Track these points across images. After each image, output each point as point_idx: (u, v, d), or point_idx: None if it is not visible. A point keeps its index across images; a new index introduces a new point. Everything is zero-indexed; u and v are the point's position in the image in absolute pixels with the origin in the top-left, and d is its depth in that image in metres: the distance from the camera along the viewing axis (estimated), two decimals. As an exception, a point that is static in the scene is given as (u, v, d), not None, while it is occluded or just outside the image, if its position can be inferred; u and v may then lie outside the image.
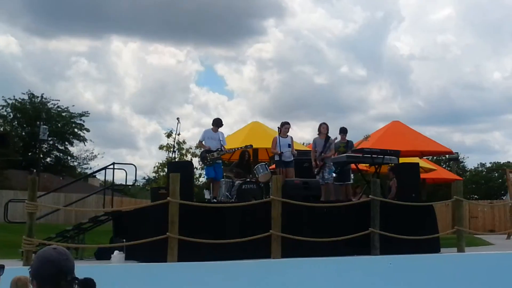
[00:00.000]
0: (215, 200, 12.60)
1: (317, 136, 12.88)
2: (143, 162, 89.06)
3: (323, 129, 12.60)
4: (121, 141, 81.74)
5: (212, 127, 13.16)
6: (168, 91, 79.99)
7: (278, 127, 13.13)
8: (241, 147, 13.74)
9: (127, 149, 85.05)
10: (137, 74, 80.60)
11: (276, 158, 12.71)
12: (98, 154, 47.89)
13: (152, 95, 79.38)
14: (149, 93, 79.15)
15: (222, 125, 13.21)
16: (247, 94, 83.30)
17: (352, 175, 14.07)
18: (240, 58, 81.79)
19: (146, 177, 48.29)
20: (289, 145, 12.85)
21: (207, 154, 12.76)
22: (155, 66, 79.77)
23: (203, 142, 13.05)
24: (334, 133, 13.14)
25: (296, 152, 13.08)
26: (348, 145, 12.82)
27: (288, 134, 13.05)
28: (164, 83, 79.23)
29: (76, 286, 2.64)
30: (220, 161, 13.12)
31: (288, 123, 13.15)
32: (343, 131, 13.19)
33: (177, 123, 13.61)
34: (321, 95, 78.32)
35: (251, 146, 13.70)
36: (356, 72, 78.82)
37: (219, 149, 12.85)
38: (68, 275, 2.58)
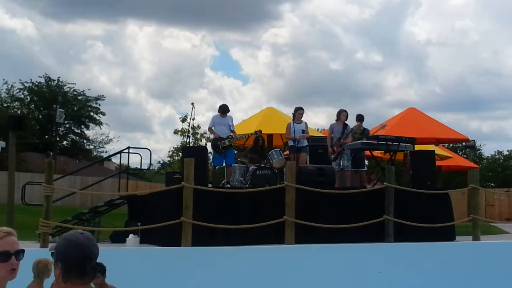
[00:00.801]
0: (228, 185, 12.63)
1: (335, 122, 12.79)
2: (158, 146, 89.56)
3: (343, 116, 12.53)
4: (137, 125, 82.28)
5: (219, 113, 13.14)
6: (183, 75, 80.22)
7: (292, 113, 13.10)
8: (250, 134, 13.76)
9: (142, 133, 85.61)
10: (153, 58, 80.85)
11: (290, 143, 12.68)
12: (114, 137, 48.23)
13: (167, 79, 79.69)
14: (164, 77, 79.47)
15: (229, 111, 13.18)
16: (262, 79, 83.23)
17: (366, 161, 14.04)
18: (255, 43, 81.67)
19: (161, 161, 48.54)
20: (303, 131, 12.81)
21: (219, 143, 12.77)
22: (170, 50, 79.98)
23: (213, 129, 13.06)
24: (350, 119, 13.10)
25: (309, 137, 13.06)
26: (364, 132, 12.76)
27: (302, 119, 13.01)
28: (179, 67, 79.43)
29: (97, 270, 2.66)
30: (232, 147, 13.15)
31: (302, 108, 13.10)
32: (360, 118, 13.12)
33: (192, 108, 13.67)
34: (337, 81, 78.08)
35: (260, 131, 13.73)
36: (372, 58, 78.38)
37: (230, 136, 12.84)
38: (93, 260, 2.60)
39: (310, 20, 76.84)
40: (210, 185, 12.60)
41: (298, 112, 12.98)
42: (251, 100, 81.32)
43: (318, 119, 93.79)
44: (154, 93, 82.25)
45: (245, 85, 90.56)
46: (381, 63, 78.53)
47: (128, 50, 79.00)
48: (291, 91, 78.70)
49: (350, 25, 78.90)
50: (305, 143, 12.74)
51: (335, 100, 78.28)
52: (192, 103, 13.90)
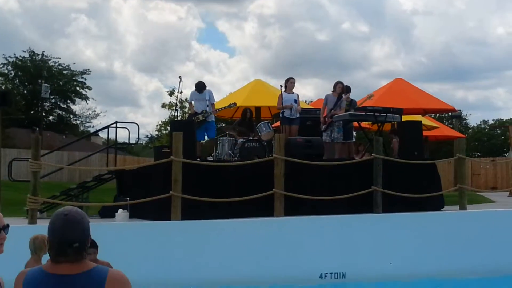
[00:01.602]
0: (210, 158, 12.69)
1: (330, 93, 12.71)
2: (146, 120, 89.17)
3: (339, 88, 12.46)
4: (123, 99, 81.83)
5: (196, 90, 13.09)
6: (169, 48, 79.59)
7: (282, 84, 12.98)
8: (225, 107, 13.75)
9: (130, 107, 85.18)
10: (138, 31, 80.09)
11: (284, 113, 12.57)
12: (101, 112, 47.96)
13: (153, 52, 79.04)
14: (150, 50, 78.82)
15: (205, 87, 13.08)
16: (248, 51, 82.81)
17: (354, 133, 14.06)
18: (241, 14, 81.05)
19: (149, 135, 48.40)
20: (295, 101, 12.76)
21: (193, 118, 12.76)
22: (155, 23, 79.24)
23: (192, 103, 13.07)
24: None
25: (300, 108, 13.02)
26: (351, 103, 12.74)
27: (293, 90, 12.95)
28: (165, 40, 78.79)
29: (83, 251, 2.64)
30: (212, 120, 13.10)
31: (293, 78, 13.03)
32: (347, 89, 13.09)
33: (179, 81, 13.61)
34: (323, 52, 77.90)
35: (235, 104, 13.75)
36: (359, 28, 78.13)
37: (204, 111, 12.81)
38: (73, 243, 2.58)
39: (296, -10, 76.23)
40: (210, 158, 12.65)
41: (290, 81, 12.91)
42: (238, 72, 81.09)
43: (306, 91, 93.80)
44: (141, 67, 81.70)
45: (232, 57, 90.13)
46: (367, 33, 78.46)
47: (113, 23, 78.23)
48: (278, 63, 78.51)
49: (336, -5, 78.37)
50: (298, 114, 12.72)
51: (322, 71, 78.30)
52: (180, 77, 13.86)
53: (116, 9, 79.62)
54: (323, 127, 12.35)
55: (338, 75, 77.77)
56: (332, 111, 12.22)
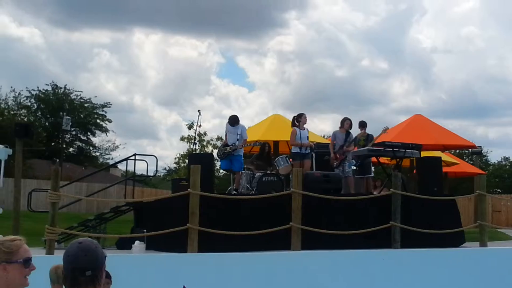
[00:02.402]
0: (235, 192, 12.65)
1: (338, 129, 12.77)
2: (164, 153, 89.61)
3: (346, 124, 12.48)
4: (143, 132, 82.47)
5: (228, 123, 13.25)
6: (189, 82, 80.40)
7: (294, 119, 12.97)
8: (251, 144, 13.87)
9: (149, 140, 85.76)
10: (159, 65, 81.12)
11: (295, 150, 12.61)
12: (120, 144, 48.32)
13: (173, 86, 79.90)
14: (170, 84, 79.71)
15: (238, 122, 13.25)
16: (268, 86, 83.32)
17: (373, 168, 14.02)
18: (261, 50, 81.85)
19: (167, 168, 48.59)
20: (307, 137, 12.82)
21: (222, 147, 12.96)
22: (176, 58, 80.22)
23: (226, 135, 13.23)
24: (355, 126, 13.08)
25: (313, 144, 13.06)
26: (368, 138, 12.74)
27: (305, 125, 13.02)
28: (185, 74, 79.65)
29: (95, 280, 2.66)
30: (240, 154, 13.19)
31: (305, 114, 13.08)
32: (363, 124, 13.11)
33: (198, 115, 13.71)
34: (342, 88, 78.08)
35: (263, 144, 13.89)
36: (378, 65, 78.38)
37: (233, 144, 12.93)
38: (86, 271, 2.60)
39: (316, 27, 77.03)
40: (234, 192, 12.71)
41: (304, 117, 12.96)
42: (257, 107, 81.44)
43: (324, 126, 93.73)
44: (160, 101, 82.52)
45: (251, 92, 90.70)
46: (387, 70, 78.61)
47: (135, 58, 79.34)
48: (297, 98, 78.76)
49: (355, 33, 79.04)
50: (309, 150, 12.75)
51: (341, 107, 78.33)
52: (199, 110, 13.98)
53: (138, 45, 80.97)
54: (335, 163, 12.35)
55: (357, 111, 77.87)
56: (344, 148, 12.24)
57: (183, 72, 79.87)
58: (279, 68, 79.63)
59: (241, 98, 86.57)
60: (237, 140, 13.02)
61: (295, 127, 12.73)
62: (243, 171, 13.29)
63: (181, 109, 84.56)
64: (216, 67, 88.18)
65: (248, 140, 13.80)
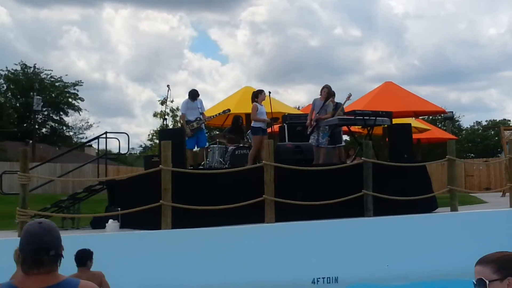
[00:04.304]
0: (201, 167, 12.69)
1: (318, 97, 12.68)
2: (140, 130, 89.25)
3: (323, 92, 12.44)
4: (117, 109, 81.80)
5: (189, 98, 13.11)
6: (162, 57, 79.64)
7: (254, 93, 12.88)
8: (219, 113, 13.77)
9: (123, 117, 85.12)
10: (130, 41, 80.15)
11: (258, 125, 12.51)
12: (94, 123, 47.81)
13: (146, 62, 79.11)
14: (143, 60, 78.89)
15: (198, 95, 13.15)
16: (241, 58, 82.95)
17: (344, 137, 14.10)
18: (233, 22, 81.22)
19: (143, 145, 48.32)
20: (265, 113, 12.80)
21: (187, 126, 12.79)
22: (148, 33, 79.30)
23: (185, 114, 13.06)
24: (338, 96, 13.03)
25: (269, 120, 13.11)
26: (336, 107, 12.71)
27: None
28: (157, 49, 78.83)
29: (57, 260, 2.64)
30: (203, 129, 13.17)
31: (264, 91, 13.07)
32: (332, 93, 13.05)
33: (168, 90, 13.57)
34: (316, 58, 78.10)
35: (229, 110, 13.77)
36: (351, 33, 78.38)
37: (198, 118, 12.85)
38: (50, 250, 2.58)
39: (288, -3, 76.48)
40: (201, 167, 12.66)
41: (264, 94, 12.92)
42: (231, 80, 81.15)
43: (299, 97, 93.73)
44: (134, 77, 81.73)
45: (224, 65, 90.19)
46: (360, 38, 78.68)
47: (105, 34, 78.29)
48: (271, 69, 78.64)
49: (327, 1, 78.72)
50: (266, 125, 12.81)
51: (316, 76, 78.38)
52: (168, 85, 13.87)
53: (108, 20, 79.78)
54: (309, 130, 12.33)
55: (331, 80, 77.95)
56: (317, 115, 12.20)
57: (155, 47, 79.12)
58: (252, 39, 79.32)
59: (215, 71, 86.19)
60: (200, 114, 12.95)
61: (255, 103, 12.63)
62: (215, 145, 13.27)
63: (155, 84, 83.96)
64: (189, 41, 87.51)
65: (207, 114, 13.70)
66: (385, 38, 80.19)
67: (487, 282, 2.25)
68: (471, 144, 49.71)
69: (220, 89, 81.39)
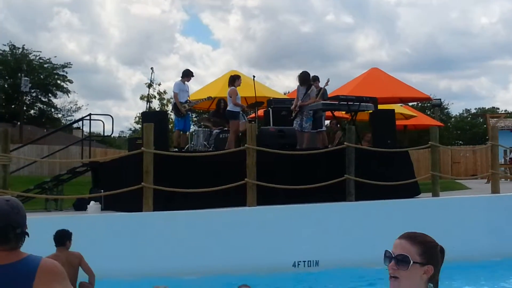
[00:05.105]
0: (184, 150, 12.72)
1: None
2: (130, 113, 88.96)
3: (299, 79, 12.47)
4: (108, 92, 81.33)
5: (182, 78, 13.10)
6: (153, 41, 79.03)
7: (232, 78, 12.87)
8: (202, 100, 13.78)
9: (114, 100, 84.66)
10: (121, 24, 79.54)
11: (236, 109, 12.49)
12: (82, 105, 47.49)
13: (137, 45, 78.53)
14: (134, 43, 78.29)
15: (193, 75, 13.17)
16: (233, 43, 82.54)
17: (327, 122, 14.11)
18: (225, 6, 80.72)
19: (132, 128, 48.14)
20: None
21: (183, 105, 12.80)
22: (139, 16, 78.67)
23: (178, 94, 13.05)
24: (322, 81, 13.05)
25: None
26: (320, 92, 12.72)
27: None
28: (148, 33, 78.29)
29: (23, 238, 2.65)
30: (189, 113, 13.24)
31: (241, 77, 13.06)
32: (315, 79, 13.08)
33: (151, 73, 13.53)
34: (308, 44, 77.87)
35: (211, 97, 13.81)
36: (343, 19, 78.18)
37: (188, 101, 12.87)
38: (17, 228, 2.58)
39: (280, -18, 76.14)
40: (176, 150, 12.66)
41: (240, 80, 12.94)
42: (222, 65, 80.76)
43: (290, 82, 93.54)
44: (124, 60, 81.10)
45: (216, 49, 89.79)
46: (351, 24, 78.50)
47: (96, 17, 77.53)
48: (262, 54, 78.38)
49: (320, -14, 78.38)
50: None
51: (307, 62, 78.15)
52: (152, 68, 13.81)
53: (99, 3, 79.07)
54: (293, 116, 12.35)
55: (323, 67, 77.80)
56: (300, 101, 12.21)
57: (146, 30, 78.51)
58: (244, 24, 78.94)
59: (206, 56, 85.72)
60: (188, 97, 12.98)
61: (234, 87, 12.60)
62: (200, 129, 13.28)
63: (146, 68, 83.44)
64: (180, 25, 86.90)
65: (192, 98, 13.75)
66: (377, 25, 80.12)
67: (411, 262, 2.20)
68: (460, 132, 49.89)
69: (211, 73, 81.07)
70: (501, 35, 74.39)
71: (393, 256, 2.23)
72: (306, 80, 12.35)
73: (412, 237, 2.29)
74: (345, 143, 11.14)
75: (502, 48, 73.68)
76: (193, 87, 12.60)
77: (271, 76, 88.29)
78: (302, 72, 12.52)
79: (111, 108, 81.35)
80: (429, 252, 2.25)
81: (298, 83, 12.55)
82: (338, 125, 14.51)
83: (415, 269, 2.20)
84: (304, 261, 10.07)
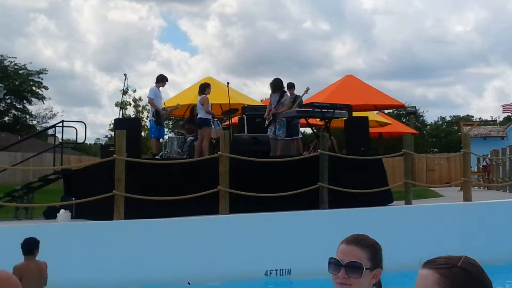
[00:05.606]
0: (158, 157, 12.62)
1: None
2: (107, 120, 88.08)
3: (271, 87, 12.48)
4: (84, 99, 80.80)
5: (156, 84, 13.03)
6: (130, 47, 78.90)
7: (203, 86, 12.83)
8: (173, 107, 13.74)
9: (90, 107, 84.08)
10: (99, 30, 79.13)
11: (207, 117, 12.42)
12: (58, 112, 47.05)
13: (114, 51, 78.31)
14: (111, 49, 78.07)
15: (167, 81, 13.13)
16: (210, 50, 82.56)
17: (302, 129, 14.11)
18: (203, 13, 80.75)
19: (109, 135, 47.75)
20: None
21: (164, 112, 12.81)
22: (116, 22, 78.42)
23: (154, 100, 12.96)
24: (298, 89, 13.09)
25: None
26: (295, 99, 12.72)
27: None
28: (126, 39, 78.09)
29: None
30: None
31: (210, 85, 13.04)
32: (290, 86, 13.08)
33: (125, 79, 13.39)
34: (285, 51, 78.16)
35: (179, 106, 13.78)
36: (320, 27, 78.60)
37: (165, 108, 12.81)
38: None
39: (258, -11, 76.30)
40: (157, 157, 12.57)
41: (210, 87, 12.91)
42: (200, 71, 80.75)
43: (267, 89, 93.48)
44: (102, 66, 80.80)
45: (193, 56, 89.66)
46: (329, 32, 78.98)
47: (74, 23, 77.11)
48: (240, 61, 78.53)
49: (297, -6, 78.73)
50: None
51: (284, 69, 78.52)
52: (125, 74, 13.68)
53: (77, 9, 78.65)
54: (266, 123, 12.33)
55: (300, 74, 78.13)
56: (274, 109, 12.20)
57: (124, 36, 78.28)
58: (222, 31, 78.99)
59: (183, 62, 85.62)
60: (164, 103, 12.91)
61: (205, 95, 12.55)
62: (174, 136, 13.20)
63: (123, 74, 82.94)
64: (158, 31, 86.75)
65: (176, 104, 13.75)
66: (354, 32, 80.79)
67: (364, 269, 2.11)
68: (435, 139, 50.34)
69: (189, 80, 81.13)
70: (475, 43, 75.56)
71: (342, 264, 2.14)
72: (278, 87, 12.33)
73: (360, 241, 2.20)
74: (318, 150, 11.11)
75: (476, 56, 74.86)
76: (170, 93, 12.66)
77: (249, 83, 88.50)
78: (274, 79, 12.50)
79: (87, 115, 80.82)
80: (377, 255, 2.19)
81: (270, 91, 12.54)
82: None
83: (366, 275, 2.13)
84: (276, 270, 10.00)
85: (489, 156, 20.27)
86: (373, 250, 2.17)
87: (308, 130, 20.26)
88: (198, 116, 12.48)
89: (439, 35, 76.61)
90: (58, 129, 13.96)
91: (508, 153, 15.83)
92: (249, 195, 10.49)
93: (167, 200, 10.11)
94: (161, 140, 13.55)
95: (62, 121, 13.76)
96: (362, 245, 2.18)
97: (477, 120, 45.31)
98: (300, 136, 13.14)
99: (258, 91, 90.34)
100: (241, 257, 9.83)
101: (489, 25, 74.91)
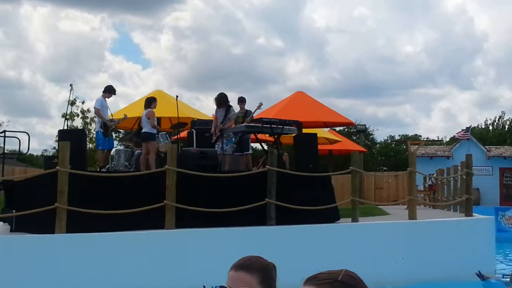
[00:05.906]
0: (103, 170, 12.40)
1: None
2: (55, 131, 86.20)
3: (215, 102, 12.47)
4: (32, 109, 78.97)
5: (103, 94, 12.84)
6: (81, 58, 77.64)
7: (149, 100, 12.74)
8: (121, 119, 13.57)
9: (38, 118, 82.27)
10: (49, 40, 77.74)
11: (153, 131, 12.30)
12: (3, 122, 45.81)
13: (65, 62, 76.92)
14: (61, 60, 76.70)
15: (115, 93, 12.96)
16: (163, 63, 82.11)
17: (252, 145, 14.10)
18: (156, 26, 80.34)
19: (56, 147, 46.76)
20: None
21: (112, 123, 12.61)
22: (67, 32, 77.16)
23: (101, 111, 12.74)
24: (250, 104, 13.12)
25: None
26: (246, 114, 12.71)
27: None
28: (77, 50, 76.84)
29: None
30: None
31: (156, 99, 12.98)
32: (241, 100, 13.07)
33: (71, 90, 13.13)
34: (239, 66, 78.35)
35: (126, 116, 13.65)
36: (274, 43, 79.23)
37: (113, 120, 12.62)
38: None
39: (213, 4, 76.57)
40: (103, 170, 12.33)
41: (156, 101, 12.83)
42: (152, 84, 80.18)
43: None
44: (51, 77, 79.18)
45: (146, 69, 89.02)
46: (282, 48, 79.60)
47: (23, 31, 75.49)
48: (193, 75, 78.26)
49: (252, 10, 79.35)
50: None
51: (238, 85, 78.52)
52: (71, 85, 13.42)
53: (26, 17, 77.05)
54: (214, 139, 12.28)
55: (254, 89, 78.39)
56: (220, 124, 12.16)
57: (75, 47, 76.99)
58: (175, 44, 78.70)
59: (135, 75, 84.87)
60: (112, 114, 12.72)
61: (151, 109, 12.44)
62: (121, 149, 12.98)
63: (74, 85, 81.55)
64: (110, 43, 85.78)
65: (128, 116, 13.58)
66: (307, 50, 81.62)
67: None
68: (384, 158, 51.13)
69: (141, 93, 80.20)
70: (425, 63, 77.30)
71: None
72: (222, 101, 12.32)
73: (248, 266, 2.13)
74: (266, 166, 11.08)
75: (425, 77, 76.52)
76: (121, 105, 12.51)
77: (201, 97, 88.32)
78: (219, 94, 12.48)
79: (35, 126, 79.03)
80: (269, 276, 2.12)
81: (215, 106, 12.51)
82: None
83: None
84: (212, 287, 9.86)
85: (435, 175, 20.68)
86: (263, 272, 2.10)
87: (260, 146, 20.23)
88: (143, 130, 12.34)
89: (390, 55, 78.20)
90: (0, 139, 13.58)
91: (453, 173, 16.14)
92: (196, 210, 10.36)
93: (113, 214, 9.89)
94: (105, 151, 13.30)
95: (4, 131, 13.37)
96: (250, 269, 2.11)
97: (425, 139, 46.26)
98: (250, 152, 13.11)
99: (210, 106, 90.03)
100: (184, 272, 9.68)
101: (438, 46, 76.85)
